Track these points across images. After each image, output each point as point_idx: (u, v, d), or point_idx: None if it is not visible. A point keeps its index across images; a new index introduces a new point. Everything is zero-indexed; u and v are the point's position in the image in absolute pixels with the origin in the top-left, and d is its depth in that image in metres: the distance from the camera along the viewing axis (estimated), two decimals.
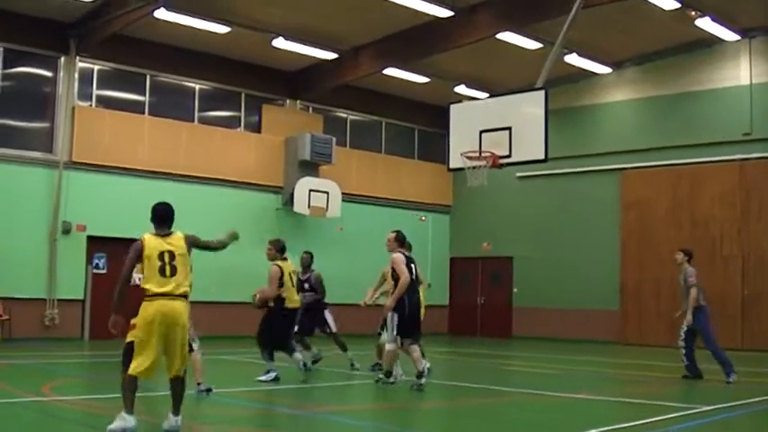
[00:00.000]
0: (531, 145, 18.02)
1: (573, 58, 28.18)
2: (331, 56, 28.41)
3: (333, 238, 30.07)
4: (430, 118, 33.15)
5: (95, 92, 26.36)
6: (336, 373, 17.21)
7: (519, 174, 30.84)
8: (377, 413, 12.17)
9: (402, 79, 30.15)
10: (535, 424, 11.60)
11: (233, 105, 29.65)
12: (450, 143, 19.56)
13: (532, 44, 26.17)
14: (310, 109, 31.69)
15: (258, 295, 15.44)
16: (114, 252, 25.56)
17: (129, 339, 9.68)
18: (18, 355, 17.11)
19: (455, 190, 34.55)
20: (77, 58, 25.59)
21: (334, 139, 30.05)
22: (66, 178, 24.96)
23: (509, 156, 18.36)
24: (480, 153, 18.55)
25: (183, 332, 9.42)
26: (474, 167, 18.91)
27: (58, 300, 24.61)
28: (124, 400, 9.16)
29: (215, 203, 27.41)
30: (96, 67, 26.26)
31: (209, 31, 25.63)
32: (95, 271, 25.40)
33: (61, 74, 25.47)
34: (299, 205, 28.61)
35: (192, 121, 28.35)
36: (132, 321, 9.56)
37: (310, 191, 28.89)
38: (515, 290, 32.86)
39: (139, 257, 9.56)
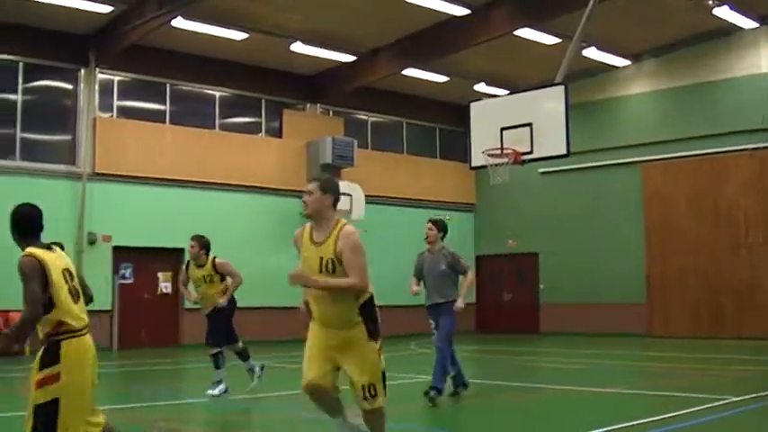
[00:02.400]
0: (552, 140, 17.95)
1: (591, 52, 28.10)
2: (349, 58, 28.45)
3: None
4: (450, 117, 33.14)
5: (116, 103, 26.46)
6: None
7: (541, 170, 30.75)
8: (408, 413, 12.13)
9: (421, 79, 30.17)
10: (568, 419, 11.59)
11: (253, 111, 29.72)
12: (472, 141, 19.51)
13: (550, 39, 26.14)
14: (331, 112, 31.75)
15: (224, 297, 14.15)
16: (140, 262, 25.77)
17: (46, 399, 6.53)
18: None
19: (478, 188, 34.53)
20: (97, 69, 25.67)
21: (355, 142, 30.06)
22: (89, 190, 25.07)
23: (531, 152, 18.31)
24: (502, 150, 18.52)
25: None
26: (496, 165, 18.88)
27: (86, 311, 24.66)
28: None
29: (238, 210, 27.50)
30: (116, 78, 26.37)
31: (228, 38, 25.71)
32: (122, 281, 25.50)
33: (81, 86, 25.58)
34: None
35: (214, 128, 28.45)
36: (45, 373, 6.56)
37: None
38: (542, 286, 32.82)
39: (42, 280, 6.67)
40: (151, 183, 26.11)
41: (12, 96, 24.56)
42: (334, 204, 7.75)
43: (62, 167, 25.03)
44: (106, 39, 24.91)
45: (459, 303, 12.98)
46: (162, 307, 26.46)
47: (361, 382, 7.54)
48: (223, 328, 14.09)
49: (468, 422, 12.04)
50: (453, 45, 26.31)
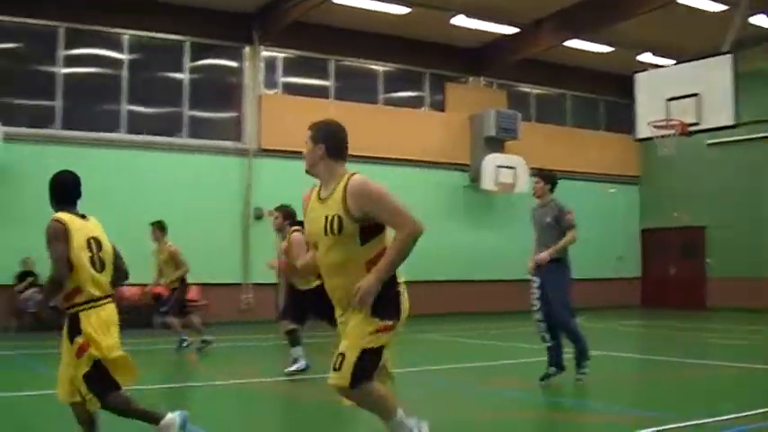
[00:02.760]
0: (720, 111, 17.64)
1: (760, 19, 27.26)
2: (512, 30, 28.22)
3: (521, 215, 29.88)
4: (615, 88, 32.56)
5: (281, 79, 26.90)
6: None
7: (709, 141, 30.00)
8: (569, 389, 12.01)
9: (584, 50, 29.75)
10: (739, 397, 11.30)
11: (416, 85, 29.81)
12: (637, 113, 19.28)
13: (716, 6, 25.43)
14: (494, 85, 31.57)
15: (280, 266, 13.60)
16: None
17: (89, 365, 6.92)
18: (216, 339, 17.56)
19: (643, 160, 33.93)
20: (261, 47, 26.10)
21: (519, 115, 29.92)
22: (255, 165, 25.55)
23: (698, 123, 18.00)
24: (668, 121, 18.23)
25: None
26: (662, 136, 18.60)
27: (253, 284, 25.22)
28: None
29: (402, 184, 27.44)
30: (281, 56, 26.79)
31: (389, 13, 25.80)
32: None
33: (246, 63, 26.06)
34: (487, 182, 28.55)
35: (377, 102, 28.65)
36: (77, 344, 6.92)
37: (497, 167, 28.80)
38: (708, 260, 32.13)
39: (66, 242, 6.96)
40: None
41: (179, 75, 25.21)
42: (332, 155, 6.79)
43: (228, 144, 25.57)
44: (269, 16, 25.31)
45: (543, 254, 11.83)
46: None
47: (338, 350, 6.21)
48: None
49: (635, 398, 11.83)
50: (616, 15, 25.87)
